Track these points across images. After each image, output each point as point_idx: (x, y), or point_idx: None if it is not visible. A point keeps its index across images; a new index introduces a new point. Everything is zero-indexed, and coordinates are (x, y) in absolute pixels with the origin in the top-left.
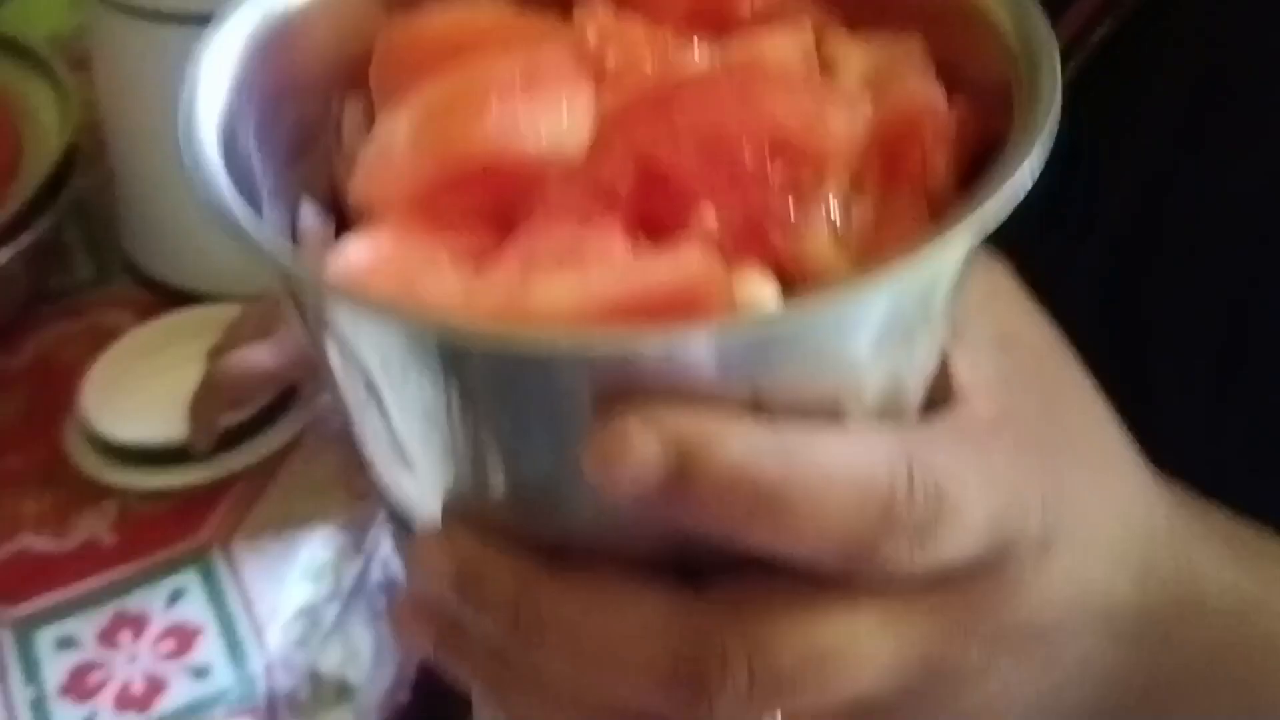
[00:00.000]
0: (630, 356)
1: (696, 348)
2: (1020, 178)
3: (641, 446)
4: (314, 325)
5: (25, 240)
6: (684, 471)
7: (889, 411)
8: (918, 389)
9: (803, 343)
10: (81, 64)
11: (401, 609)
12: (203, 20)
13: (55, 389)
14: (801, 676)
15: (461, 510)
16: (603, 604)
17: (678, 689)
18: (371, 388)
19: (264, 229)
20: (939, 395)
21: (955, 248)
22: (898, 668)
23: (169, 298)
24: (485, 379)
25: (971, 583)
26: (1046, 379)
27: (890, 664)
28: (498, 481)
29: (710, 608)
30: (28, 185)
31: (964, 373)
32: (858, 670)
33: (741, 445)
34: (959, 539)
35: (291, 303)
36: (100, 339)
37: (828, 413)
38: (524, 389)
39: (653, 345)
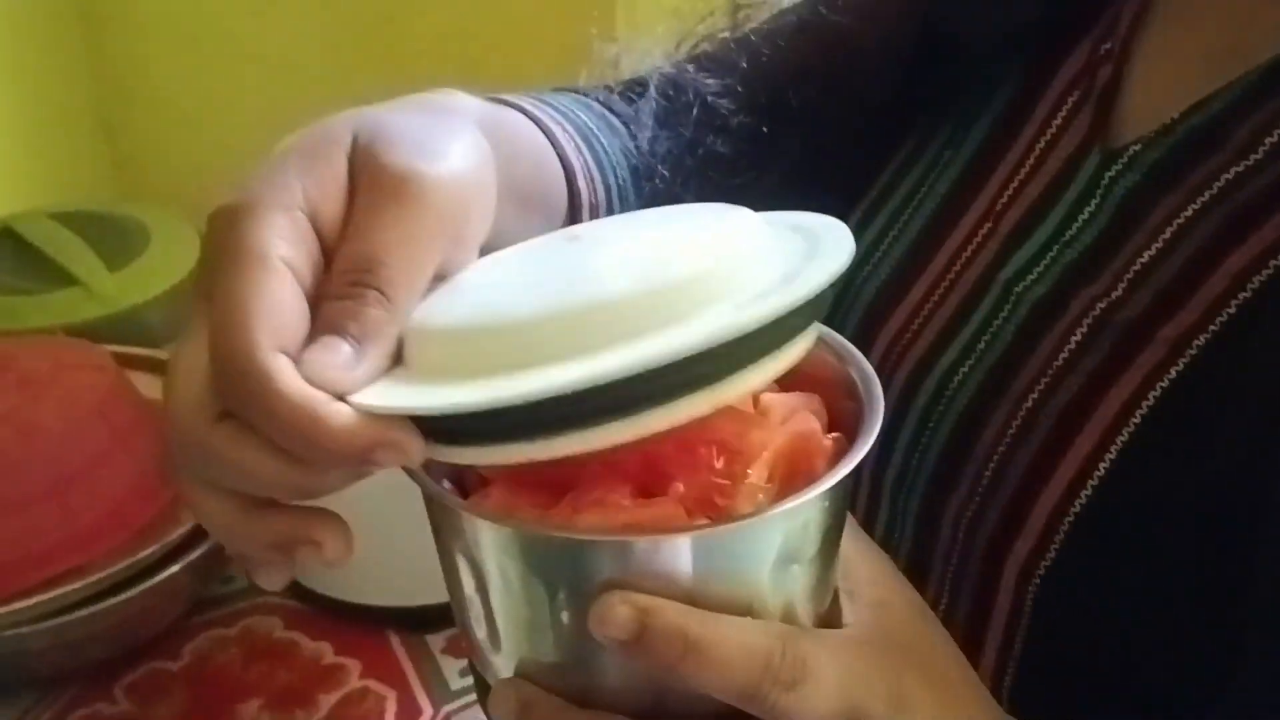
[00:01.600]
0: (625, 546)
1: (658, 548)
2: (846, 469)
3: (620, 611)
4: (448, 537)
5: (196, 554)
6: (642, 626)
7: (786, 619)
8: (807, 614)
9: (719, 554)
10: None
11: None
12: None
13: (211, 692)
14: None
15: (528, 666)
16: None
17: None
18: (480, 576)
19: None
20: (828, 624)
21: (810, 505)
22: None
23: (317, 606)
24: (546, 562)
25: None
26: (913, 632)
27: None
28: (547, 641)
29: None
30: None
31: (848, 614)
32: None
33: (677, 613)
34: (817, 696)
35: (438, 526)
36: (253, 645)
37: (742, 609)
38: (568, 570)
39: (640, 542)
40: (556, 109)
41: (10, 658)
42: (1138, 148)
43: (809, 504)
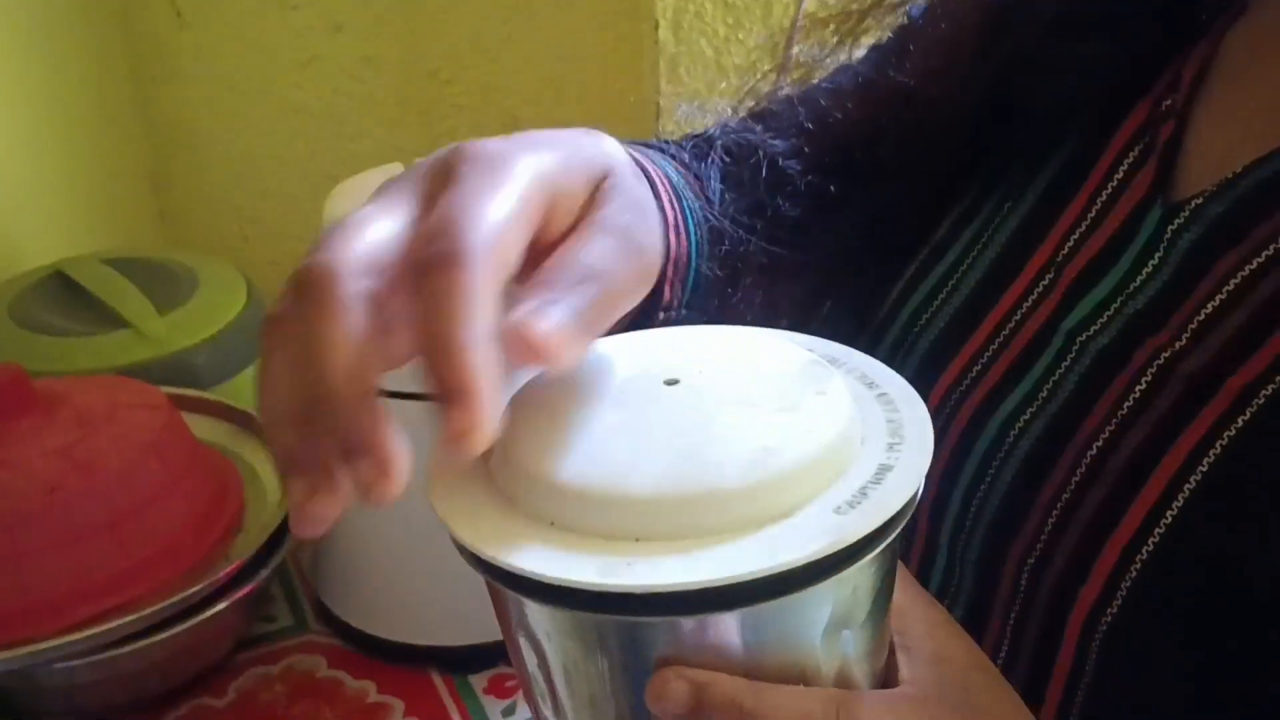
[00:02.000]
0: (675, 624)
1: (705, 624)
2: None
3: (675, 687)
4: (509, 616)
5: (243, 591)
6: (697, 701)
7: (840, 683)
8: (863, 674)
9: (768, 626)
10: None
11: None
12: (407, 396)
13: None
14: None
15: None
16: None
17: None
18: (539, 654)
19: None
20: (885, 683)
21: (859, 571)
22: None
23: (360, 645)
24: (601, 640)
25: None
26: (971, 686)
27: None
28: (609, 717)
29: None
30: (250, 543)
31: (904, 670)
32: None
33: (731, 686)
34: None
35: (499, 605)
36: (296, 683)
37: (796, 678)
38: (623, 648)
39: (688, 620)
40: (651, 160)
41: (60, 690)
42: (1200, 201)
43: (858, 570)
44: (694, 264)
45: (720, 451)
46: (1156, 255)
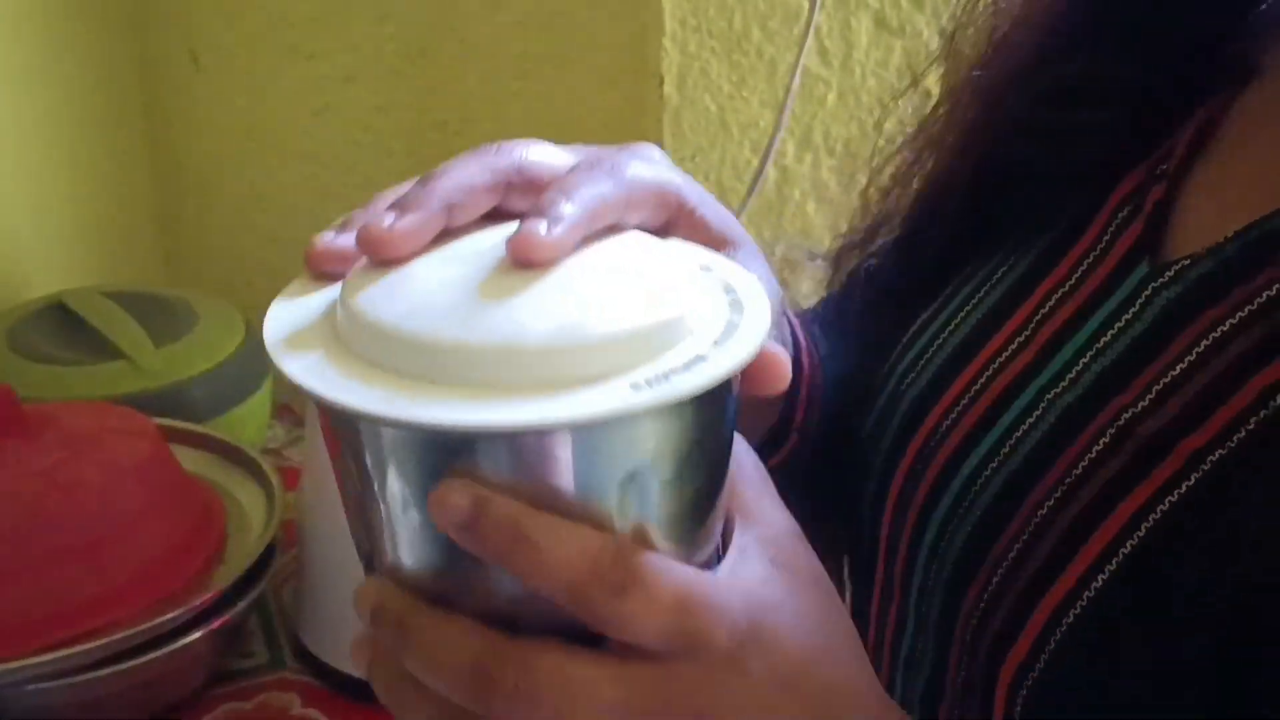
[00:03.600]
0: (470, 438)
1: (497, 442)
2: (700, 382)
3: (456, 497)
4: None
5: (218, 623)
6: (476, 514)
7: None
8: (668, 552)
9: (557, 455)
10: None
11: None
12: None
13: None
14: (550, 693)
15: (393, 568)
16: (432, 626)
17: (474, 685)
18: (353, 476)
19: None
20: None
21: (653, 416)
22: (620, 709)
23: (337, 685)
24: (401, 452)
25: (675, 664)
26: (796, 591)
27: (615, 703)
28: (407, 541)
29: (517, 642)
30: (229, 574)
31: (727, 567)
32: (591, 700)
33: (513, 507)
34: (647, 607)
35: (326, 433)
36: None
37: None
38: (419, 462)
39: (482, 436)
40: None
41: (31, 713)
42: (1187, 261)
43: (652, 413)
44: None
45: (532, 314)
46: (1131, 312)
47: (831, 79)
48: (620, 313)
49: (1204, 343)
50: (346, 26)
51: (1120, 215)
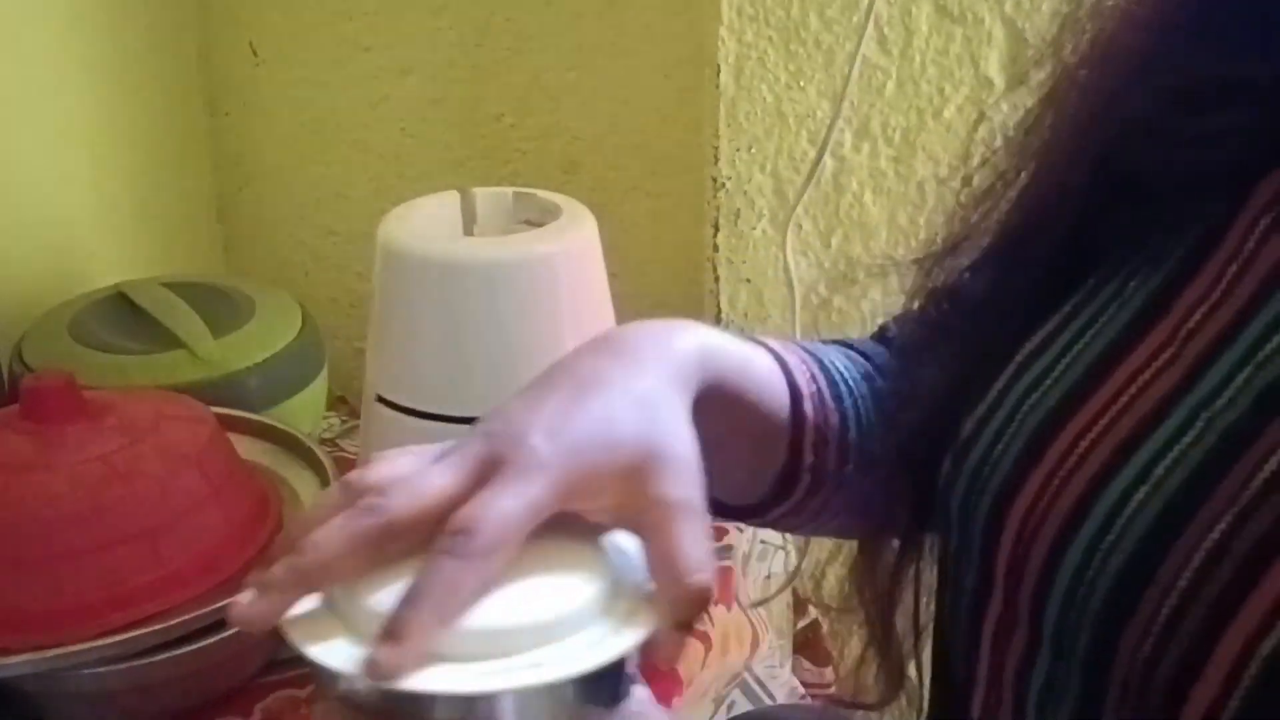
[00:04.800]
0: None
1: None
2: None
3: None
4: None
5: None
6: None
7: None
8: None
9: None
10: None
11: None
12: (457, 420)
13: None
14: None
15: None
16: None
17: None
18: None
19: None
20: None
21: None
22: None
23: None
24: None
25: None
26: None
27: None
28: None
29: None
30: None
31: None
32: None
33: None
34: None
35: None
36: None
37: None
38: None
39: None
40: (801, 347)
41: (89, 697)
42: None
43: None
44: (849, 426)
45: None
46: None
47: (890, 68)
48: (513, 614)
49: None
50: (403, 18)
51: (1263, 223)
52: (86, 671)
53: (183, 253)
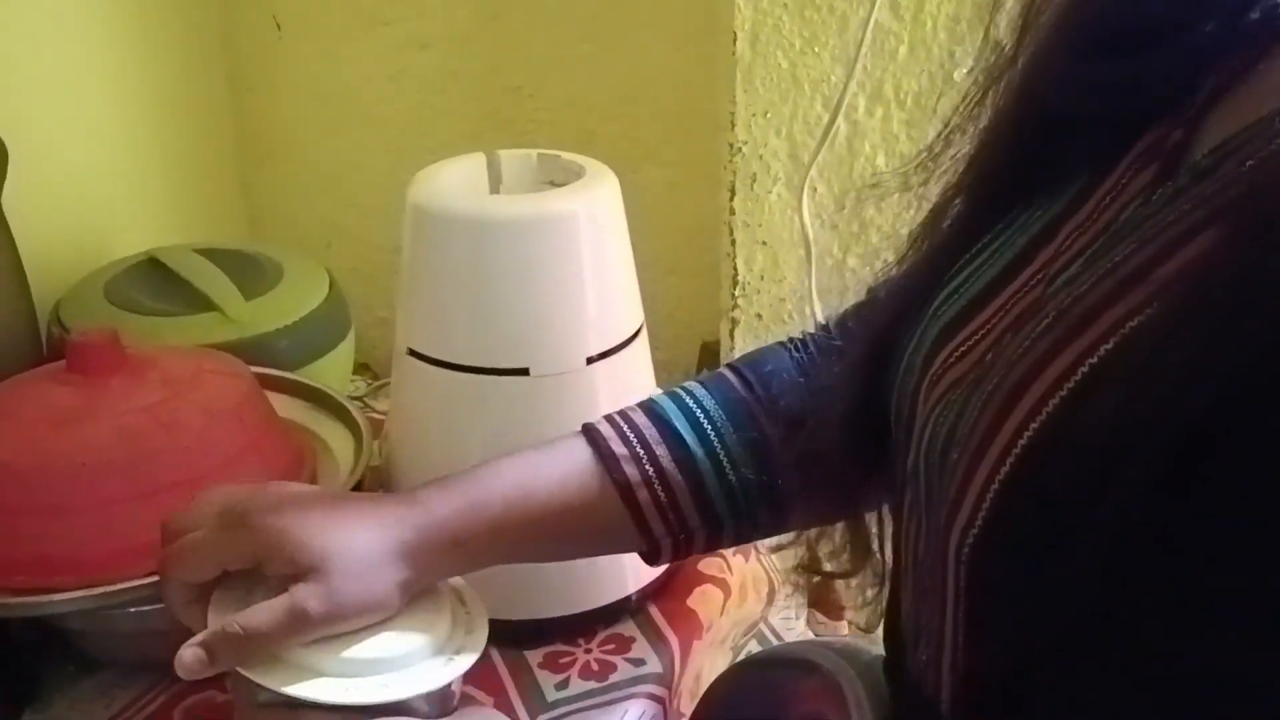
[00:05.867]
0: None
1: None
2: None
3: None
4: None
5: None
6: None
7: None
8: None
9: None
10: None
11: None
12: (484, 371)
13: None
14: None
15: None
16: None
17: None
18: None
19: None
20: None
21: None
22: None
23: None
24: None
25: None
26: None
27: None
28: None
29: None
30: None
31: None
32: None
33: None
34: None
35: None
36: None
37: None
38: None
39: None
40: (643, 418)
41: (130, 637)
42: (1172, 184)
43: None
44: (710, 488)
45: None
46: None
47: (903, 33)
48: (374, 649)
49: (1154, 234)
50: None
51: (1139, 161)
52: (131, 610)
53: (209, 225)
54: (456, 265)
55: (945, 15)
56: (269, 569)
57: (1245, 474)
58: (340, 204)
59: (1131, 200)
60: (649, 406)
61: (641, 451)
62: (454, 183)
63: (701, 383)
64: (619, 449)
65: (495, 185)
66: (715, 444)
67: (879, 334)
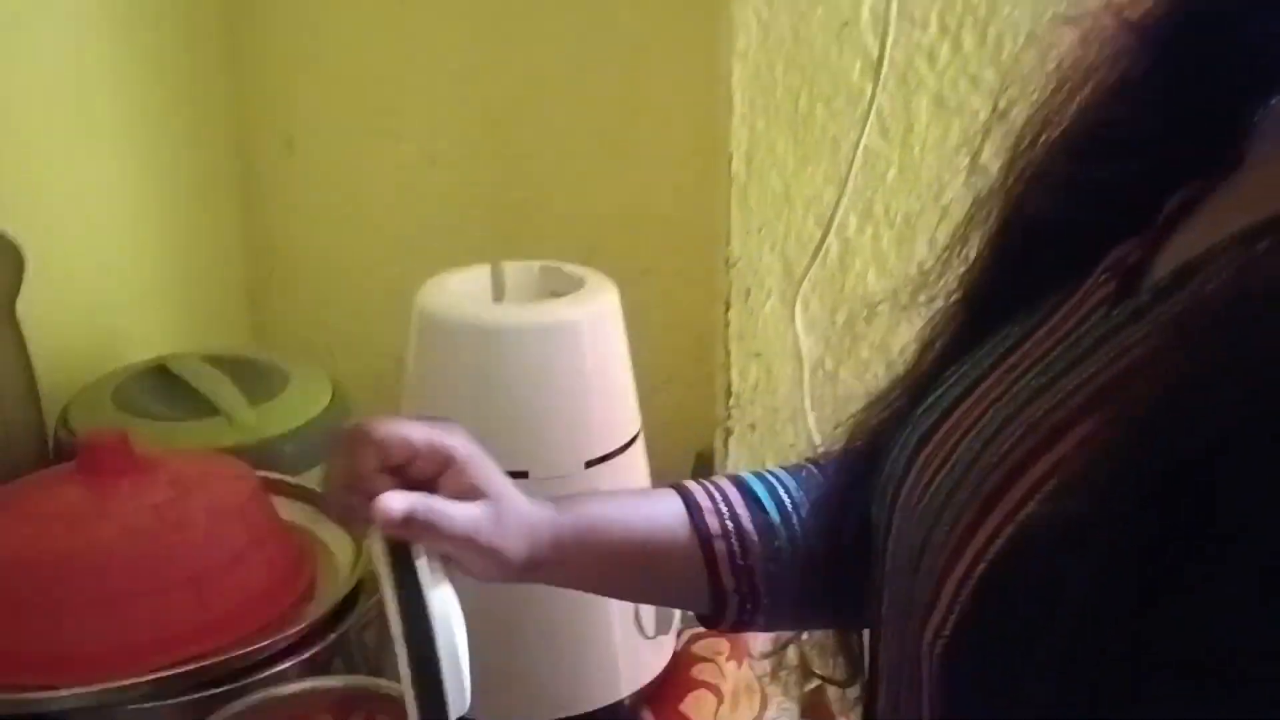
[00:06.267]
0: None
1: None
2: None
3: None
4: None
5: (307, 654)
6: None
7: None
8: None
9: None
10: None
11: None
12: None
13: None
14: None
15: None
16: None
17: None
18: None
19: None
20: None
21: None
22: None
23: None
24: None
25: None
26: None
27: None
28: None
29: None
30: (318, 610)
31: None
32: None
33: None
34: None
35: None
36: None
37: None
38: None
39: None
40: (728, 483)
41: None
42: (1133, 301)
43: None
44: (783, 556)
45: None
46: (1077, 341)
47: (892, 155)
48: None
49: (1118, 353)
50: (434, 112)
51: (1102, 277)
52: (133, 707)
53: (216, 332)
54: (460, 369)
55: (933, 139)
56: (453, 480)
57: (1209, 583)
58: (346, 313)
59: (1092, 312)
60: (734, 477)
61: (724, 509)
62: (460, 291)
63: (783, 467)
64: (704, 502)
65: (499, 294)
66: (794, 521)
67: (866, 448)
